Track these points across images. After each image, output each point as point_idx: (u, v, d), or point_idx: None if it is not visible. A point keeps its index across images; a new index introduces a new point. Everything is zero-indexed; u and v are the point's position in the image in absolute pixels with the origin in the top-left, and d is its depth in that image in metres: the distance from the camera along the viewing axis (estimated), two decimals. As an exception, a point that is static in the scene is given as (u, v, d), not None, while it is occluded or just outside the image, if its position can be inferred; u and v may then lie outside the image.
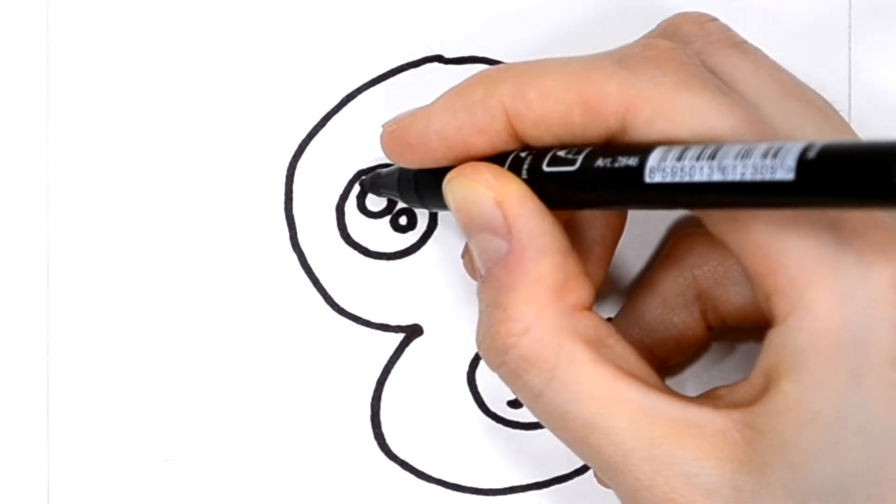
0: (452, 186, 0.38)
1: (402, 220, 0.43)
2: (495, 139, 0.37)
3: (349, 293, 0.43)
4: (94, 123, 0.42)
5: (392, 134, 0.39)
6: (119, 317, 0.42)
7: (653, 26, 0.40)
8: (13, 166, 0.42)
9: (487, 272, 0.37)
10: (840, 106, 0.42)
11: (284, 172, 0.43)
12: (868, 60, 0.44)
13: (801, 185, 0.30)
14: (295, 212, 0.43)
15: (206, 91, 0.43)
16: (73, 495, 0.42)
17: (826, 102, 0.38)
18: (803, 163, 0.30)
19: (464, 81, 0.38)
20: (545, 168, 0.36)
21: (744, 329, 0.41)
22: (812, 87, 0.38)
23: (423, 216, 0.43)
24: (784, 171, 0.30)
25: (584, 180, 0.35)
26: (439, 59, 0.43)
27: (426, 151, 0.38)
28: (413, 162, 0.39)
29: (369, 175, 0.43)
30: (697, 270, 0.41)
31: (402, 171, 0.41)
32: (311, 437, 0.43)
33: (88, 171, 0.42)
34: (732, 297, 0.40)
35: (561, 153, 0.36)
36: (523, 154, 0.37)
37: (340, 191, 0.43)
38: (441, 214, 0.43)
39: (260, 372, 0.43)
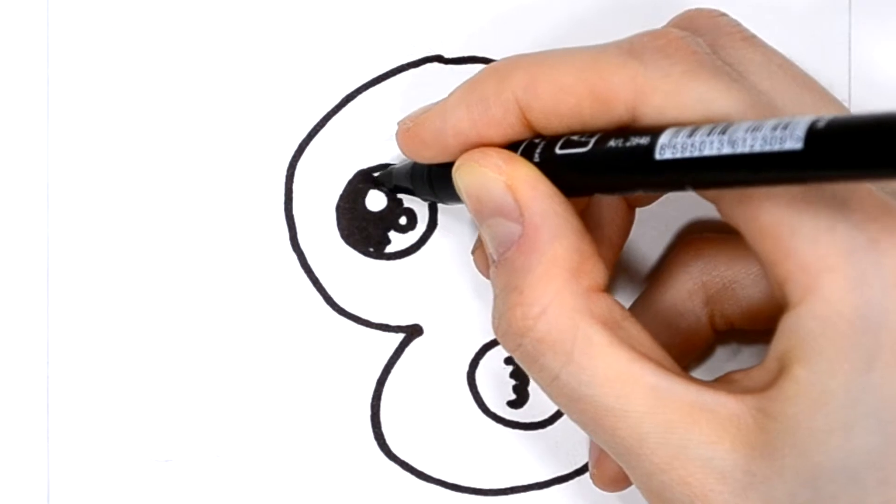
0: (462, 172, 0.38)
1: (402, 220, 0.43)
2: (509, 131, 0.37)
3: (349, 293, 0.43)
4: (94, 123, 0.42)
5: (408, 131, 0.39)
6: (119, 317, 0.42)
7: (653, 26, 0.40)
8: (13, 166, 0.42)
9: (500, 257, 0.37)
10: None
11: (284, 172, 0.43)
12: (868, 57, 0.44)
13: (809, 155, 0.30)
14: (295, 212, 0.43)
15: (206, 91, 0.43)
16: (73, 495, 0.42)
17: (837, 99, 0.38)
18: (812, 133, 0.30)
19: (475, 75, 0.38)
20: (558, 151, 0.36)
21: (750, 331, 0.41)
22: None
23: (422, 216, 0.43)
24: (793, 140, 0.31)
25: (596, 161, 0.36)
26: (439, 59, 0.43)
27: (442, 147, 0.38)
28: (429, 157, 0.39)
29: (383, 171, 0.43)
30: (706, 276, 0.41)
31: (414, 165, 0.41)
32: (311, 437, 0.43)
33: (88, 171, 0.42)
34: (742, 301, 0.40)
35: (574, 137, 0.36)
36: (536, 140, 0.37)
37: (340, 191, 0.43)
38: (441, 215, 0.43)
39: (260, 372, 0.43)
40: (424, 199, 0.42)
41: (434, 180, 0.40)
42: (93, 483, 0.42)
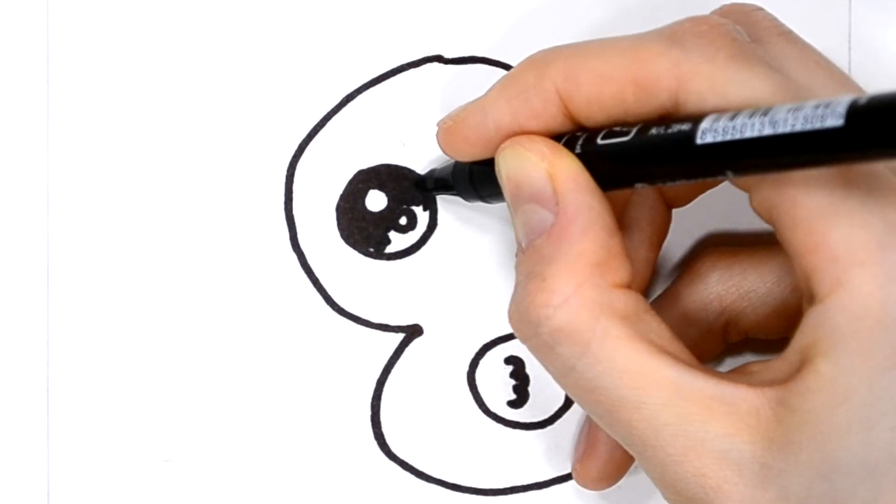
0: (506, 155, 0.38)
1: (402, 220, 0.43)
2: (551, 122, 0.37)
3: (349, 293, 0.43)
4: (94, 123, 0.42)
5: (449, 130, 0.39)
6: (119, 317, 0.42)
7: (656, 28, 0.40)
8: (13, 166, 0.42)
9: (529, 244, 0.37)
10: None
11: (284, 172, 0.43)
12: (868, 56, 0.44)
13: (851, 133, 0.30)
14: (295, 212, 0.43)
15: (206, 91, 0.43)
16: (73, 495, 0.42)
17: None
18: (854, 110, 0.30)
19: (514, 68, 0.38)
20: (599, 141, 0.36)
21: (760, 341, 0.42)
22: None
23: (422, 217, 0.43)
24: (834, 118, 0.31)
25: (637, 149, 0.36)
26: (439, 59, 0.43)
27: (484, 143, 0.38)
28: (471, 154, 0.39)
29: (424, 174, 0.43)
30: (721, 287, 0.41)
31: (456, 164, 0.41)
32: (311, 437, 0.43)
33: (88, 171, 0.42)
34: (759, 309, 0.40)
35: (616, 129, 0.36)
36: (578, 133, 0.37)
37: (340, 191, 0.43)
38: (441, 215, 0.43)
39: (260, 372, 0.43)
40: (467, 200, 0.42)
41: (476, 178, 0.40)
42: (93, 483, 0.42)
